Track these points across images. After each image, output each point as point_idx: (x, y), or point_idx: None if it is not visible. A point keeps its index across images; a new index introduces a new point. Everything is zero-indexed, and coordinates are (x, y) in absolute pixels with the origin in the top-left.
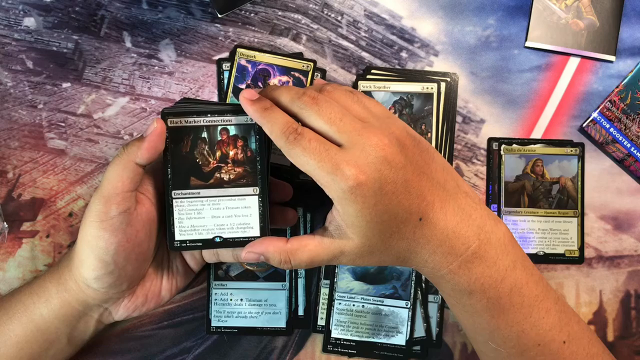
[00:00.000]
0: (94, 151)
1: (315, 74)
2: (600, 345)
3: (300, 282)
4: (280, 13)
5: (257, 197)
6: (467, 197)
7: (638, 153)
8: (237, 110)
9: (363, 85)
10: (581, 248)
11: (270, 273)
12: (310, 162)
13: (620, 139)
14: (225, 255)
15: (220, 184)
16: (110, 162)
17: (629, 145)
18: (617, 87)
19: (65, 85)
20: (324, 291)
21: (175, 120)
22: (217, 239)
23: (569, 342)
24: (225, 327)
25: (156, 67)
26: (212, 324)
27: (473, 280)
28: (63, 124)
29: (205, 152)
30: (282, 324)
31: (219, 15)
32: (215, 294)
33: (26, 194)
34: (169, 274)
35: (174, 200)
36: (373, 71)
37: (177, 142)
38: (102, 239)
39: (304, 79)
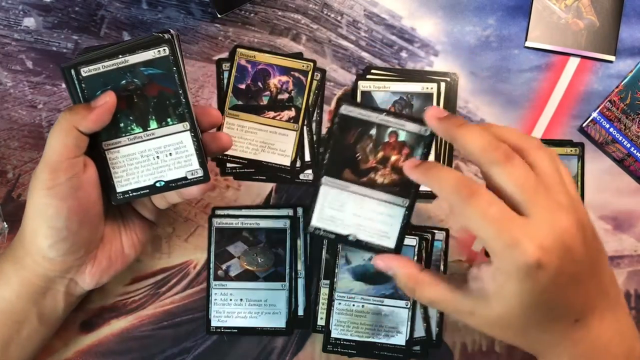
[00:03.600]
0: None
1: (315, 74)
2: None
3: (300, 282)
4: (280, 13)
5: (404, 209)
6: (624, 312)
7: (638, 153)
8: (415, 118)
9: (363, 85)
10: None
11: (270, 273)
12: (488, 229)
13: (620, 139)
14: (173, 196)
15: (373, 184)
16: (52, 128)
17: (628, 145)
18: (617, 87)
19: (65, 85)
20: (324, 291)
21: (350, 109)
22: (351, 238)
23: None
24: (225, 327)
25: None
26: (212, 324)
27: None
28: None
29: (368, 149)
30: (282, 324)
31: (219, 15)
32: (215, 294)
33: (26, 194)
34: (127, 230)
35: (322, 186)
36: (373, 71)
37: (344, 130)
38: (51, 206)
39: (303, 78)
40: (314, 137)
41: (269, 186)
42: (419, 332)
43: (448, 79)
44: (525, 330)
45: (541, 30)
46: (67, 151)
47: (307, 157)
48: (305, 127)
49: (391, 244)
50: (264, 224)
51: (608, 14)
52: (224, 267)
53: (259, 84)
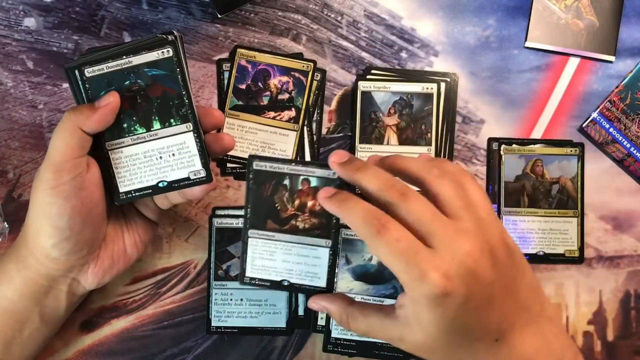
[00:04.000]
0: None
1: (316, 74)
2: None
3: None
4: (280, 13)
5: (328, 249)
6: (550, 323)
7: (638, 153)
8: (321, 164)
9: (363, 85)
10: (581, 248)
11: None
12: (397, 263)
13: (620, 139)
14: (175, 197)
15: (295, 231)
16: (56, 128)
17: (628, 145)
18: (616, 87)
19: (65, 85)
20: None
21: (261, 164)
22: (285, 283)
23: None
24: (225, 327)
25: None
26: (212, 324)
27: None
28: None
29: (285, 199)
30: (282, 324)
31: (219, 16)
32: (215, 294)
33: (26, 194)
34: (129, 230)
35: (249, 239)
36: (373, 71)
37: (260, 184)
38: (54, 205)
39: (304, 79)
40: (314, 137)
41: None
42: None
43: (448, 79)
44: (449, 353)
45: (541, 31)
46: (70, 151)
47: (308, 158)
48: (305, 128)
49: (322, 283)
50: None
51: (608, 14)
52: (224, 267)
53: (259, 84)
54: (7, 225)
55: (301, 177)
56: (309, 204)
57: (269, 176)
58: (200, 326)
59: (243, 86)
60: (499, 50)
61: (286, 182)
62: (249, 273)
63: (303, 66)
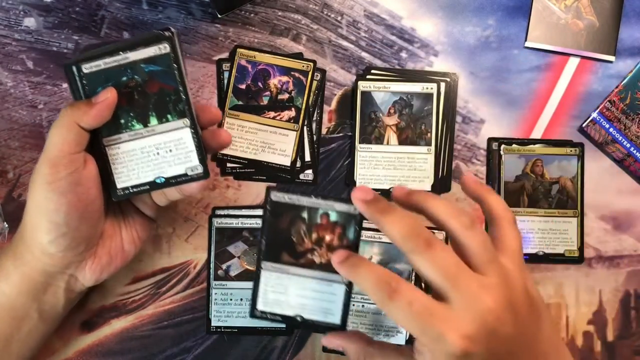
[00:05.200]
0: None
1: (316, 74)
2: None
3: None
4: (280, 13)
5: (344, 286)
6: None
7: (637, 153)
8: (342, 199)
9: (363, 85)
10: (581, 248)
11: None
12: (413, 326)
13: (619, 139)
14: (172, 193)
15: (311, 265)
16: (53, 123)
17: (628, 145)
18: (616, 87)
19: (65, 85)
20: None
21: (279, 195)
22: (298, 318)
23: None
24: (225, 327)
25: None
26: (212, 324)
27: None
28: None
29: (302, 232)
30: (282, 324)
31: (219, 16)
32: (215, 294)
33: (27, 194)
34: (127, 226)
35: (262, 271)
36: (373, 71)
37: (277, 215)
38: (51, 200)
39: (304, 79)
40: (314, 137)
41: None
42: None
43: (448, 79)
44: None
45: (541, 31)
46: (67, 147)
47: (307, 157)
48: (305, 127)
49: (337, 320)
50: None
51: (608, 14)
52: (224, 266)
53: (259, 84)
54: (7, 225)
55: (320, 211)
56: (327, 238)
57: (286, 208)
58: (200, 326)
59: (243, 86)
60: (499, 50)
61: (304, 215)
62: (260, 306)
63: (303, 66)
